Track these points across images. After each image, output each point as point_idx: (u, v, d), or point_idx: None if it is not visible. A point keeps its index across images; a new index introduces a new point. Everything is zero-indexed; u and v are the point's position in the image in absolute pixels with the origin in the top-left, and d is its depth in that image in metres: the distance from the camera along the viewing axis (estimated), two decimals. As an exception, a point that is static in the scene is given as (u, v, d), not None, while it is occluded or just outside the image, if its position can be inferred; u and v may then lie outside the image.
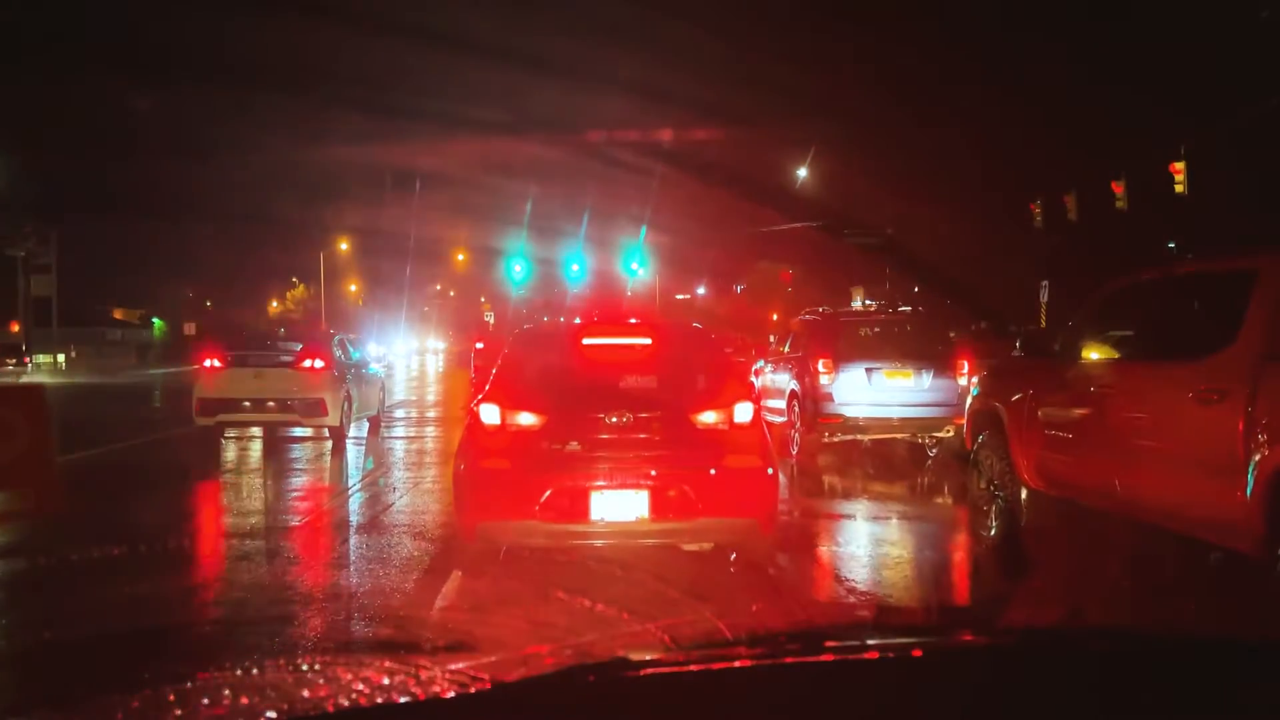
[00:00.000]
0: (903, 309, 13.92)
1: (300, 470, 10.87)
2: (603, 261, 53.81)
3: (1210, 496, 4.47)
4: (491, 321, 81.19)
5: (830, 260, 51.63)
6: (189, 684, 1.34)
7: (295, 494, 9.25)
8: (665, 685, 1.33)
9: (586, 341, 6.51)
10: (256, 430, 12.89)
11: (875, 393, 10.42)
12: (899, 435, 10.75)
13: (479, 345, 19.92)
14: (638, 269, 48.42)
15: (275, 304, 73.35)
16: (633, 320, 7.83)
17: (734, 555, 5.60)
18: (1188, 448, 4.72)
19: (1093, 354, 5.84)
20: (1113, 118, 39.10)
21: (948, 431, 10.24)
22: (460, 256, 40.19)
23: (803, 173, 34.31)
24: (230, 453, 12.05)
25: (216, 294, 64.15)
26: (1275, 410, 4.14)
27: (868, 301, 57.89)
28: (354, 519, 7.80)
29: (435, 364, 44.36)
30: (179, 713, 1.26)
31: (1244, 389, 4.28)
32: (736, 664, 1.37)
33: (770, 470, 5.52)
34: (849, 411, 10.42)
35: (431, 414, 18.59)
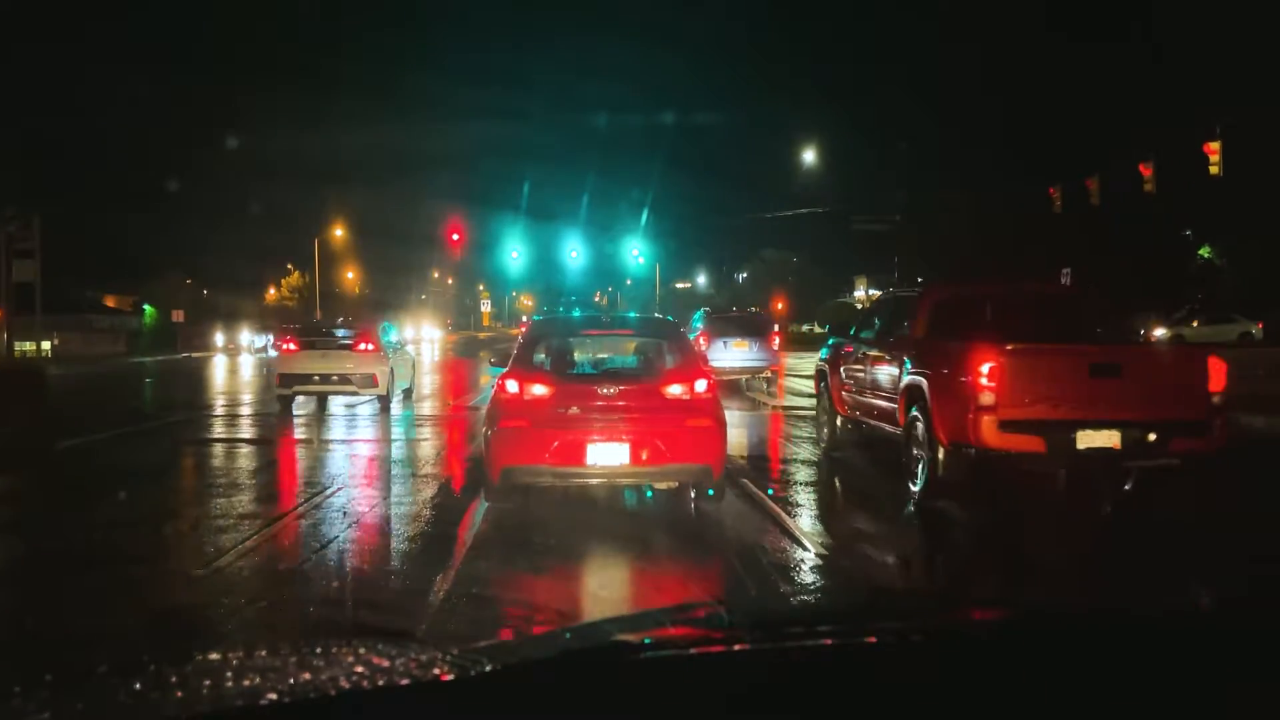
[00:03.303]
0: (750, 309, 27.10)
1: (302, 459, 10.94)
2: (602, 248, 53.64)
3: (889, 404, 9.03)
4: (488, 310, 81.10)
5: (837, 247, 51.52)
6: (189, 666, 1.36)
7: (307, 482, 9.29)
8: (664, 668, 1.37)
9: (584, 331, 8.59)
10: (245, 435, 13.76)
11: (728, 353, 19.44)
12: (741, 376, 19.92)
13: (522, 329, 25.12)
14: (638, 256, 48.36)
15: (272, 291, 73.28)
16: (629, 315, 11.60)
17: (692, 496, 7.37)
18: (882, 381, 9.40)
19: (858, 335, 10.71)
20: (1143, 95, 38.12)
21: (767, 374, 20.11)
22: (455, 236, 40.05)
23: (809, 157, 34.07)
24: (220, 447, 12.13)
25: (212, 281, 64.10)
26: (914, 362, 8.53)
27: (872, 290, 57.80)
28: (364, 507, 7.85)
29: (431, 354, 44.25)
30: (180, 694, 1.28)
31: (905, 353, 8.81)
32: (735, 647, 1.40)
33: (720, 429, 7.13)
34: (714, 364, 16.16)
35: (427, 410, 18.53)
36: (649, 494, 8.02)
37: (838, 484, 9.66)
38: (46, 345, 40.77)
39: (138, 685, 1.31)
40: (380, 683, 1.30)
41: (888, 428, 9.08)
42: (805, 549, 6.45)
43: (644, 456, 6.84)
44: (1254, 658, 1.42)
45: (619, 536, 7.01)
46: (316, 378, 15.39)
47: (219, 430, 14.16)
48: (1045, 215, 34.93)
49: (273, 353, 46.64)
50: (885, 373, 9.24)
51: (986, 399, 7.24)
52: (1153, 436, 7.29)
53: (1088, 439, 7.25)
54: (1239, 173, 26.58)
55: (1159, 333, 37.42)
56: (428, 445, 12.38)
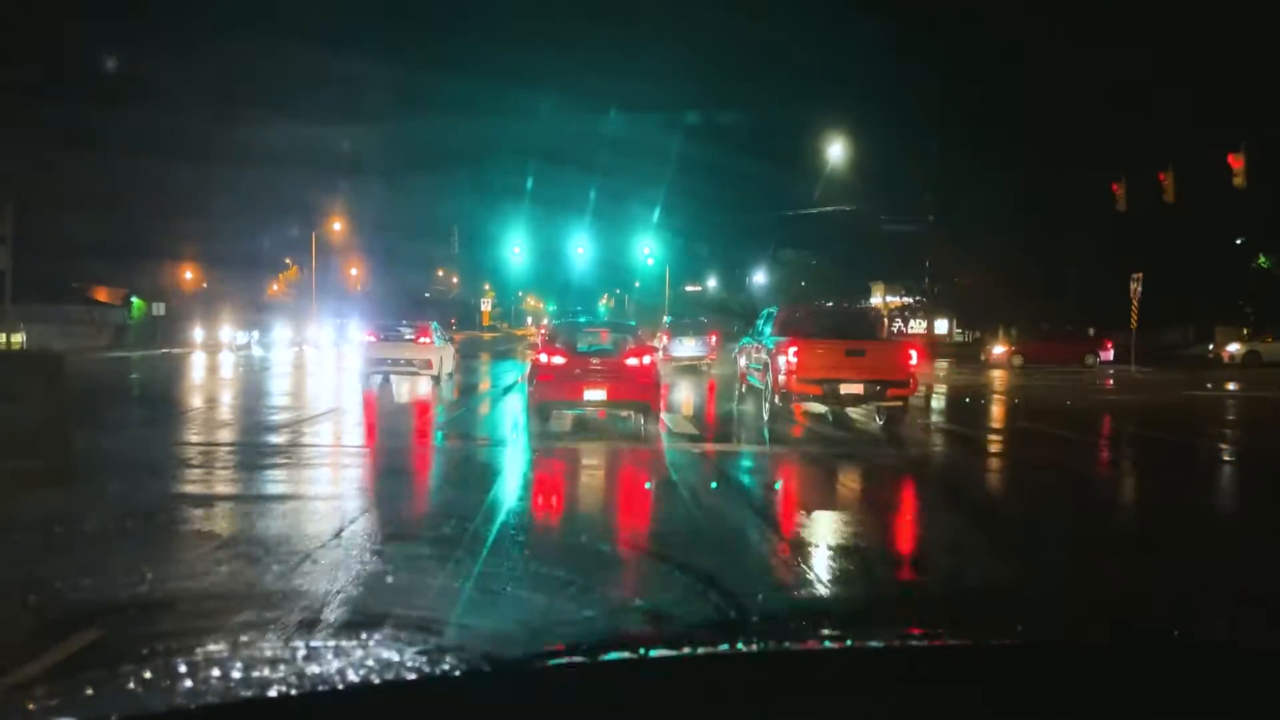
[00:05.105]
0: (700, 319, 34.59)
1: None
2: (613, 249, 53.53)
3: (760, 373, 16.02)
4: (488, 309, 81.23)
5: (860, 250, 50.81)
6: (199, 656, 1.43)
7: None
8: (671, 668, 1.43)
9: (583, 328, 15.29)
10: (227, 456, 14.50)
11: (682, 347, 30.10)
12: (691, 363, 29.55)
13: (543, 329, 33.27)
14: (649, 257, 48.29)
15: (275, 286, 73.80)
16: (611, 319, 27.00)
17: (643, 419, 13.04)
18: (759, 360, 16.16)
19: (752, 333, 18.23)
20: (1233, 77, 35.75)
21: (706, 361, 29.80)
22: (454, 239, 40.25)
23: (835, 154, 33.89)
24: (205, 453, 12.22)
25: (211, 276, 64.37)
26: (769, 348, 15.32)
27: (889, 298, 57.42)
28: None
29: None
30: (189, 684, 1.34)
31: (768, 345, 15.58)
32: (741, 649, 1.47)
33: (657, 383, 13.33)
34: (673, 354, 29.49)
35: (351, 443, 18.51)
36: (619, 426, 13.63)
37: (730, 416, 16.67)
38: (18, 338, 40.09)
39: (147, 674, 1.38)
40: (389, 677, 1.36)
41: (760, 386, 15.82)
42: (699, 440, 13.18)
43: (614, 395, 12.84)
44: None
45: (605, 434, 12.98)
46: (390, 361, 21.44)
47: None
48: (1103, 214, 33.81)
49: (257, 349, 46.75)
50: (759, 355, 15.99)
51: (792, 366, 14.19)
52: (879, 388, 14.06)
53: (846, 389, 14.09)
54: None
55: (1232, 348, 36.20)
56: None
